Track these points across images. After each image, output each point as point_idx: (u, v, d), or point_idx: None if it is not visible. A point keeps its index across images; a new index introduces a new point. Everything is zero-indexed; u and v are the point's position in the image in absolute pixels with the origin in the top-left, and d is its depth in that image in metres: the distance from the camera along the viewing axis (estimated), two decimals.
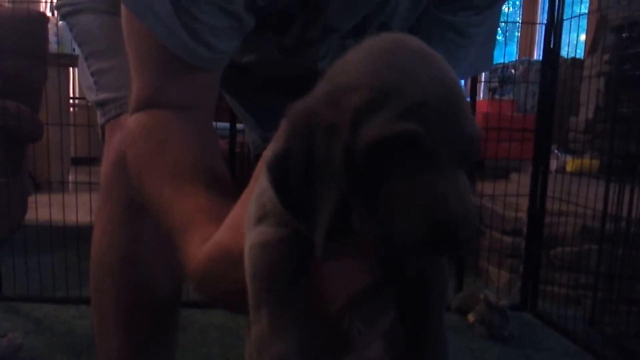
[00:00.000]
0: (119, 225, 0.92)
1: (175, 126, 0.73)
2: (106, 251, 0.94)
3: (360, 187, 0.47)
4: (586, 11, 2.67)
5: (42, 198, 2.21)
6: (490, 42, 0.95)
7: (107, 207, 0.94)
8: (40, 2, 3.42)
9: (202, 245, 0.62)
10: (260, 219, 0.55)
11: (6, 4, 2.90)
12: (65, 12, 1.03)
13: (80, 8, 1.02)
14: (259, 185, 0.56)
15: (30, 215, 2.42)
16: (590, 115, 2.87)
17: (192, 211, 0.65)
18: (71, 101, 4.00)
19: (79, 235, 1.99)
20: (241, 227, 0.58)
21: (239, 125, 2.08)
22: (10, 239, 2.31)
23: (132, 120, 0.76)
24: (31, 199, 2.47)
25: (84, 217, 2.00)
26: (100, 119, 0.99)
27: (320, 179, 0.48)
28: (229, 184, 0.73)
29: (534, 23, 4.54)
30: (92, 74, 1.00)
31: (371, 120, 0.46)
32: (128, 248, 0.92)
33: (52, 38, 3.32)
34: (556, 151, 2.72)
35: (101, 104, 0.98)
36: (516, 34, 5.13)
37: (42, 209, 2.15)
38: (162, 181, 0.69)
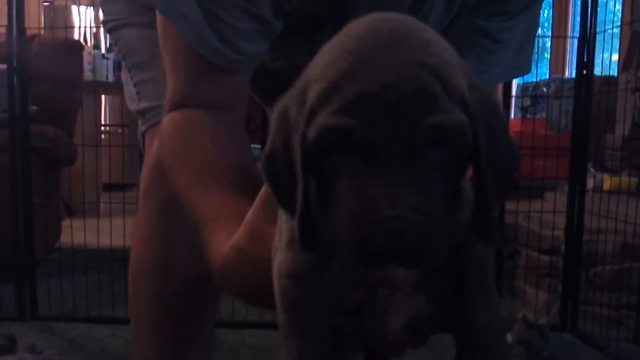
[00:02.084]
0: (156, 229, 0.94)
1: (206, 124, 0.75)
2: (143, 255, 0.95)
3: (315, 183, 0.46)
4: (618, 24, 2.64)
5: (76, 222, 2.26)
6: (527, 45, 0.93)
7: (145, 211, 0.96)
8: (73, 27, 3.53)
9: (224, 241, 0.63)
10: (290, 242, 0.54)
11: (41, 31, 3.00)
12: (111, 27, 1.07)
13: (123, 23, 1.06)
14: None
15: (65, 239, 2.47)
16: (627, 132, 2.81)
17: (217, 207, 0.67)
18: (103, 128, 4.09)
19: (112, 257, 2.03)
20: (256, 233, 0.60)
21: None
22: (46, 261, 2.36)
23: (166, 120, 0.78)
24: (66, 223, 2.52)
25: (117, 241, 2.03)
26: (140, 128, 1.02)
27: (294, 174, 0.47)
28: (259, 180, 0.73)
29: (565, 37, 4.50)
30: (135, 85, 1.04)
31: (319, 113, 0.44)
32: (164, 251, 0.94)
33: (86, 66, 3.41)
34: (592, 169, 2.66)
35: (142, 113, 1.02)
36: (546, 55, 5.09)
37: (77, 233, 2.20)
38: (191, 178, 0.71)
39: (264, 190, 0.61)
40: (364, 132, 0.42)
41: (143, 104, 1.01)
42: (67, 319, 2.02)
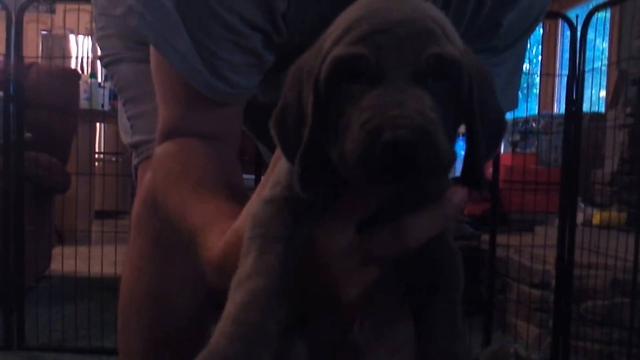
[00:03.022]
0: (147, 262, 0.93)
1: (198, 149, 0.76)
2: (134, 288, 0.94)
3: (327, 117, 0.50)
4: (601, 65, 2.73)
5: (68, 250, 2.25)
6: (513, 81, 0.94)
7: (136, 244, 0.95)
8: (70, 57, 3.56)
9: (219, 238, 0.62)
10: (272, 187, 0.57)
11: (39, 60, 3.02)
12: (107, 61, 1.08)
13: (119, 58, 1.07)
14: (277, 168, 0.59)
15: (55, 266, 2.45)
16: (615, 167, 2.85)
17: (213, 213, 0.67)
18: (97, 155, 4.10)
19: (103, 286, 2.01)
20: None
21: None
22: (35, 289, 2.33)
23: (158, 150, 0.79)
24: (57, 251, 2.50)
25: (108, 269, 2.02)
26: (134, 161, 1.02)
27: (304, 117, 0.51)
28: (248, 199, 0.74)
29: (554, 75, 4.58)
30: (129, 118, 1.05)
31: (331, 52, 0.49)
32: (155, 285, 0.93)
33: (82, 95, 3.44)
34: (581, 204, 2.69)
35: (135, 146, 1.02)
36: (534, 91, 5.17)
37: (68, 260, 2.18)
38: (185, 193, 0.71)
39: (261, 183, 0.62)
40: (374, 58, 0.47)
41: (136, 137, 1.02)
42: (54, 349, 1.99)
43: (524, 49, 0.92)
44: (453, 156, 0.48)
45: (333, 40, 0.50)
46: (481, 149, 0.51)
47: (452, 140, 0.50)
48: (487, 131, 0.52)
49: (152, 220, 0.91)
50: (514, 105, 0.96)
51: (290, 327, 0.62)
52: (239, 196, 0.71)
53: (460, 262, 0.58)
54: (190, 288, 0.91)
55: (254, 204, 0.58)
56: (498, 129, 0.54)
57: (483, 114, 0.51)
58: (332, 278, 0.56)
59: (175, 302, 0.93)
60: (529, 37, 0.88)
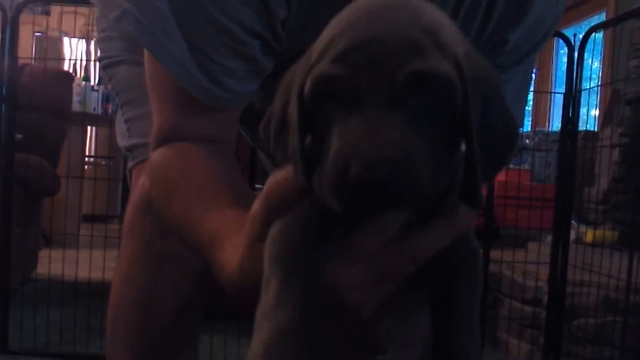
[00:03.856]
0: (138, 270, 0.92)
1: (196, 153, 0.74)
2: (123, 295, 0.93)
3: (316, 131, 0.49)
4: (599, 84, 2.76)
5: (55, 253, 2.21)
6: (520, 100, 0.93)
7: (128, 250, 0.94)
8: (64, 59, 3.54)
9: (232, 253, 0.60)
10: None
11: (33, 61, 3.00)
12: (106, 63, 1.07)
13: (118, 60, 1.05)
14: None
15: (42, 270, 2.41)
16: (608, 186, 2.86)
17: (221, 223, 0.65)
18: (87, 159, 4.06)
19: (90, 291, 1.98)
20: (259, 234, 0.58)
21: (258, 186, 2.08)
22: (20, 293, 2.29)
23: (153, 155, 0.77)
24: (44, 254, 2.46)
25: (96, 274, 1.99)
26: (128, 164, 1.01)
27: (290, 128, 0.51)
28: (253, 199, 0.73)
29: (551, 92, 4.61)
30: (126, 121, 1.03)
31: (316, 66, 0.48)
32: (144, 293, 0.91)
33: (75, 98, 3.41)
34: (573, 221, 2.69)
35: (130, 149, 1.01)
36: (528, 108, 5.22)
37: (55, 264, 2.15)
38: (189, 201, 0.69)
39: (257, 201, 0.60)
40: (350, 79, 0.45)
41: (132, 141, 1.00)
42: (38, 354, 1.95)
43: (530, 67, 0.90)
44: (436, 183, 0.46)
45: (318, 54, 0.49)
46: (477, 167, 0.48)
47: (443, 161, 0.48)
48: (491, 142, 0.48)
49: (144, 226, 0.90)
50: (519, 124, 0.95)
51: None
52: (243, 197, 0.69)
53: (479, 262, 0.56)
54: (179, 297, 0.90)
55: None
56: (505, 139, 0.50)
57: (485, 127, 0.48)
58: (346, 307, 0.55)
59: (163, 311, 0.92)
60: (536, 55, 0.87)
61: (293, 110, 0.50)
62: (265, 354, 0.47)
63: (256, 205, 0.57)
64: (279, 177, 0.55)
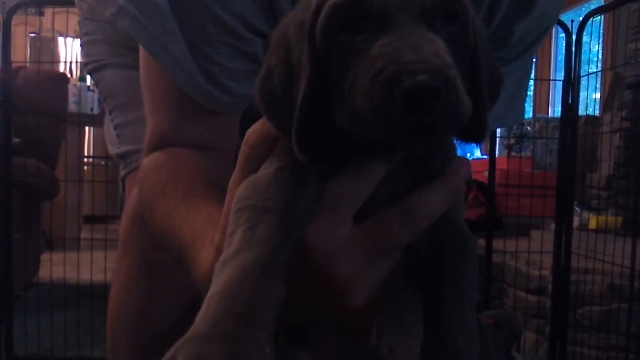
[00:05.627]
0: (135, 282, 0.91)
1: (190, 157, 0.71)
2: (122, 307, 0.92)
3: (328, 73, 0.46)
4: (600, 69, 2.72)
5: (56, 256, 2.20)
6: (520, 94, 0.91)
7: (125, 263, 0.92)
8: (59, 62, 3.52)
9: (212, 248, 0.57)
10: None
11: (28, 64, 2.98)
12: (91, 68, 1.05)
13: (104, 64, 1.03)
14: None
15: (44, 273, 2.40)
16: (610, 171, 2.84)
17: (203, 223, 0.61)
18: (86, 160, 4.04)
19: (93, 293, 1.97)
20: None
21: None
22: (23, 297, 2.29)
23: (146, 161, 0.74)
24: (45, 257, 2.46)
25: (97, 276, 1.98)
26: (121, 172, 0.99)
27: (296, 77, 0.47)
28: None
29: (549, 79, 4.59)
30: (115, 127, 1.01)
31: (327, 1, 0.45)
32: (143, 305, 0.91)
33: (71, 98, 3.39)
34: (577, 208, 2.68)
35: (122, 157, 0.99)
36: (529, 94, 5.19)
37: (56, 267, 2.14)
38: (174, 205, 0.66)
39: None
40: (377, 0, 0.43)
41: (124, 147, 0.98)
42: (44, 359, 1.96)
43: (530, 61, 0.89)
44: (470, 103, 0.44)
45: None
46: (486, 97, 0.49)
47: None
48: (488, 80, 0.50)
49: (139, 238, 0.88)
50: (520, 118, 0.93)
51: (291, 341, 0.58)
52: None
53: (473, 248, 0.52)
54: (177, 308, 0.89)
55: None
56: (496, 81, 0.53)
57: (487, 61, 0.50)
58: (334, 282, 0.50)
59: (161, 322, 0.91)
60: (536, 49, 0.85)
61: (301, 55, 0.47)
62: (225, 292, 0.42)
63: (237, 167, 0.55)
64: (258, 126, 0.54)
